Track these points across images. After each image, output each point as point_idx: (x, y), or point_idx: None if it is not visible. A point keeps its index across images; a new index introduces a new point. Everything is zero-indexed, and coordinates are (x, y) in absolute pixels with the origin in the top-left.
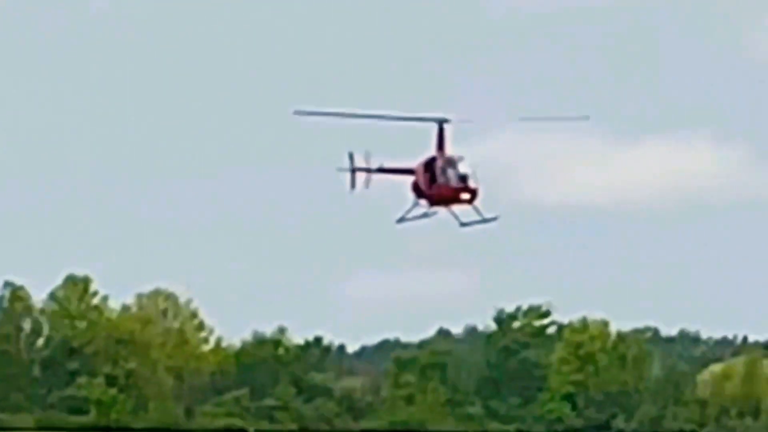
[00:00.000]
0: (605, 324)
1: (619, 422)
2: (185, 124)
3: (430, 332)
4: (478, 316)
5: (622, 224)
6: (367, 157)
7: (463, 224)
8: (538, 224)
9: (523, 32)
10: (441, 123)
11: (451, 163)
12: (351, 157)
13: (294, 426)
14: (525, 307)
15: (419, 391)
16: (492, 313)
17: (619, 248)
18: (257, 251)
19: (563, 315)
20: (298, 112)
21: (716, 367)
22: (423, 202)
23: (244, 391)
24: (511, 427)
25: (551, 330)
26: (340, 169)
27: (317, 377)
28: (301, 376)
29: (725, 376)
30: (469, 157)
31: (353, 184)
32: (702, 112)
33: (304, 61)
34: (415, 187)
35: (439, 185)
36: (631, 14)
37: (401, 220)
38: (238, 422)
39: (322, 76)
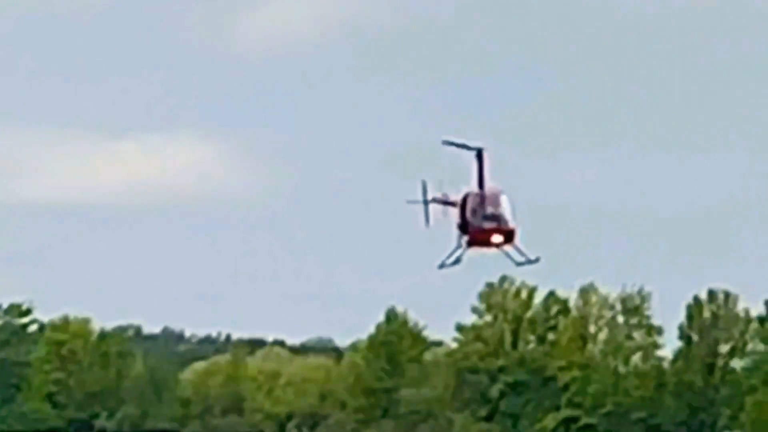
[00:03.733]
0: (87, 321)
1: (101, 421)
2: None
3: None
4: None
5: (106, 223)
6: (440, 185)
7: (518, 264)
8: (17, 222)
9: None
10: (479, 152)
11: (483, 201)
12: (424, 187)
13: None
14: (5, 305)
15: None
16: None
17: (99, 246)
18: None
19: (44, 313)
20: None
21: (200, 365)
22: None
23: None
24: None
25: (32, 328)
26: (411, 202)
27: None
28: None
29: (208, 373)
30: None
31: (428, 218)
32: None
33: None
34: (459, 226)
35: (471, 227)
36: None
37: (442, 266)
38: None
39: None
